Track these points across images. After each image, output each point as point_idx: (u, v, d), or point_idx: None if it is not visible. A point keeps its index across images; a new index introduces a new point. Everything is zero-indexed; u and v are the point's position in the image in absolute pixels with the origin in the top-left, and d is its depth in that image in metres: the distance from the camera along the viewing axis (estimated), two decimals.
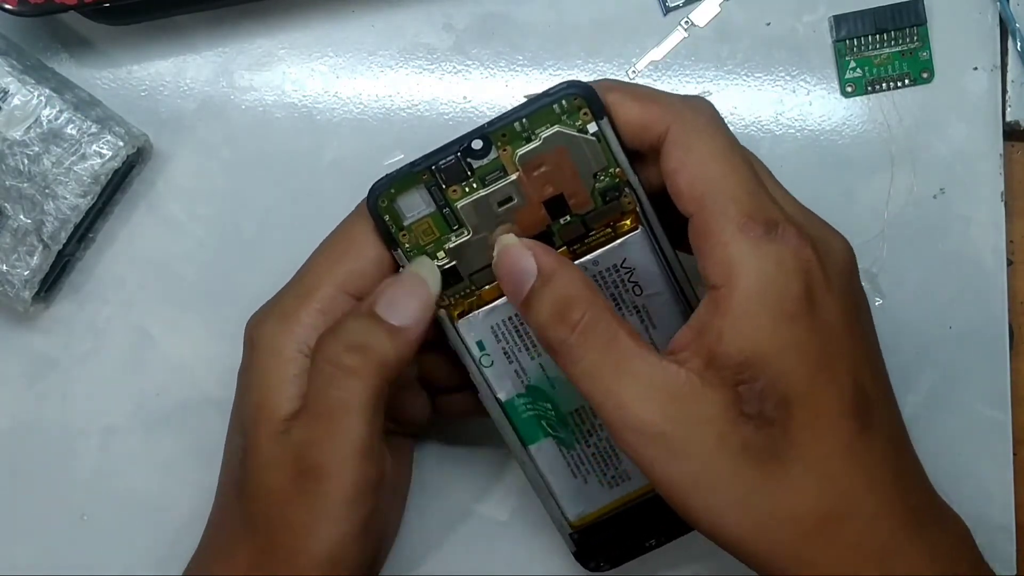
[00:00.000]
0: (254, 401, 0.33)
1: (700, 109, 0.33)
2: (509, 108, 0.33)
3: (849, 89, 0.42)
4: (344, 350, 0.32)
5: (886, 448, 0.31)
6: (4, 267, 0.41)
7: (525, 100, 0.33)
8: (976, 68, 0.42)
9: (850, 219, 0.42)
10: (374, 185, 0.33)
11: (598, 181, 0.33)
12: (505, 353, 0.35)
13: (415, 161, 0.33)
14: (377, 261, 0.34)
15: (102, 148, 0.40)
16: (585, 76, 0.43)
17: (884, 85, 0.42)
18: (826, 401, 0.30)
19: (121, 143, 0.40)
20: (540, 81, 0.43)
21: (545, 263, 0.32)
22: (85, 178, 0.40)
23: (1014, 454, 0.42)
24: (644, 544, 0.38)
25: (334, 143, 0.43)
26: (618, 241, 0.34)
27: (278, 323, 0.34)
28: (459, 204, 0.33)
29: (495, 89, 0.43)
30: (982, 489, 0.42)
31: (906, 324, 0.42)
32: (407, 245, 0.34)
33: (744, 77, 0.42)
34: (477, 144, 0.33)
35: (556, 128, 0.32)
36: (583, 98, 0.32)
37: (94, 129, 0.40)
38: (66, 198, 0.40)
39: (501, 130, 0.32)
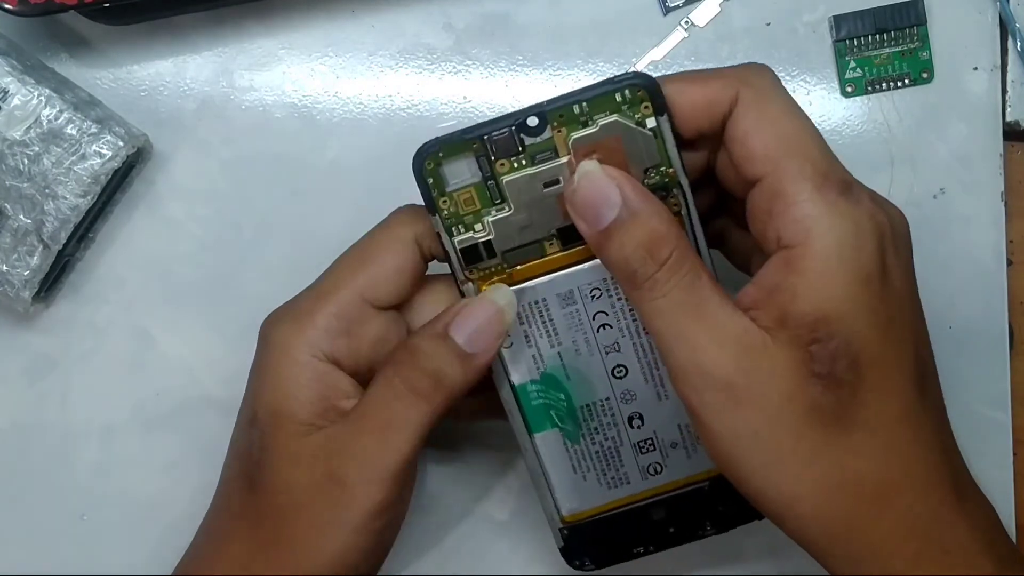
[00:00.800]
0: (271, 401, 0.33)
1: (763, 72, 0.33)
2: (569, 91, 0.32)
3: (849, 89, 0.42)
4: (419, 373, 0.32)
5: (936, 419, 0.32)
6: (4, 267, 0.41)
7: (588, 85, 0.32)
8: (976, 68, 0.42)
9: None
10: (422, 147, 0.32)
11: (648, 177, 0.33)
12: (526, 336, 0.35)
13: (468, 128, 0.32)
14: (399, 269, 0.34)
15: (102, 148, 0.40)
16: (585, 76, 0.43)
17: (884, 85, 0.42)
18: (894, 367, 0.30)
19: (121, 143, 0.40)
20: (540, 81, 0.43)
21: (632, 196, 0.31)
22: (85, 178, 0.40)
23: (1014, 454, 0.42)
24: (632, 551, 0.37)
25: (334, 143, 0.43)
26: None
27: (293, 324, 0.34)
28: (505, 179, 0.33)
29: (495, 89, 0.43)
30: (982, 489, 0.42)
31: None
32: (446, 212, 0.33)
33: None
34: (532, 121, 0.32)
35: (615, 117, 0.32)
36: (647, 91, 0.32)
37: (94, 129, 0.40)
38: (66, 198, 0.40)
39: (560, 110, 0.32)
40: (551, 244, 0.34)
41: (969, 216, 0.42)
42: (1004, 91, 0.42)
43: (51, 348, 0.43)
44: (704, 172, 0.35)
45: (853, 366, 0.30)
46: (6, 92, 0.40)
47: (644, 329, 0.34)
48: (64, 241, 0.41)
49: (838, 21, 0.42)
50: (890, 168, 0.42)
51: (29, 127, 0.40)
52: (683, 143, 0.33)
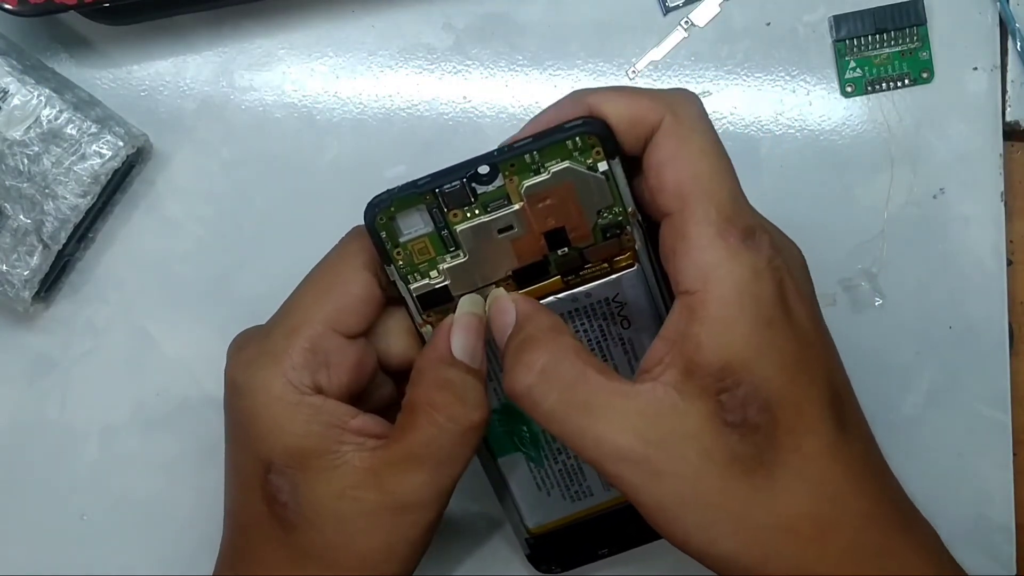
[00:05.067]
0: (283, 445, 0.33)
1: (691, 101, 0.32)
2: (520, 138, 0.32)
3: (849, 89, 0.42)
4: (467, 410, 0.33)
5: (863, 449, 0.31)
6: (4, 267, 0.41)
7: (536, 132, 0.32)
8: (976, 68, 0.42)
9: (850, 219, 0.42)
10: (373, 200, 0.32)
11: (601, 218, 0.33)
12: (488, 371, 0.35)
13: (418, 181, 0.32)
14: (365, 298, 0.34)
15: (102, 148, 0.40)
16: (585, 76, 0.43)
17: (884, 85, 0.42)
18: (807, 403, 0.30)
19: (121, 143, 0.40)
20: (540, 81, 0.43)
21: (522, 310, 0.32)
22: (85, 178, 0.40)
23: (1014, 454, 0.42)
24: (596, 552, 0.38)
25: (334, 143, 0.43)
26: (613, 276, 0.34)
27: (271, 366, 0.33)
28: (459, 228, 0.33)
29: (495, 89, 0.43)
30: (982, 489, 0.42)
31: (906, 324, 0.42)
32: (401, 263, 0.33)
33: (744, 77, 0.42)
34: (484, 169, 0.32)
35: (567, 164, 0.32)
36: (597, 137, 0.32)
37: (94, 129, 0.40)
38: (66, 198, 0.40)
39: (511, 160, 0.32)
40: (507, 285, 0.34)
41: (969, 216, 0.42)
42: (1004, 91, 0.42)
43: (51, 348, 0.43)
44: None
45: (765, 409, 0.29)
46: (6, 92, 0.40)
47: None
48: (64, 241, 0.41)
49: (838, 21, 0.42)
50: (890, 168, 0.42)
51: (29, 127, 0.40)
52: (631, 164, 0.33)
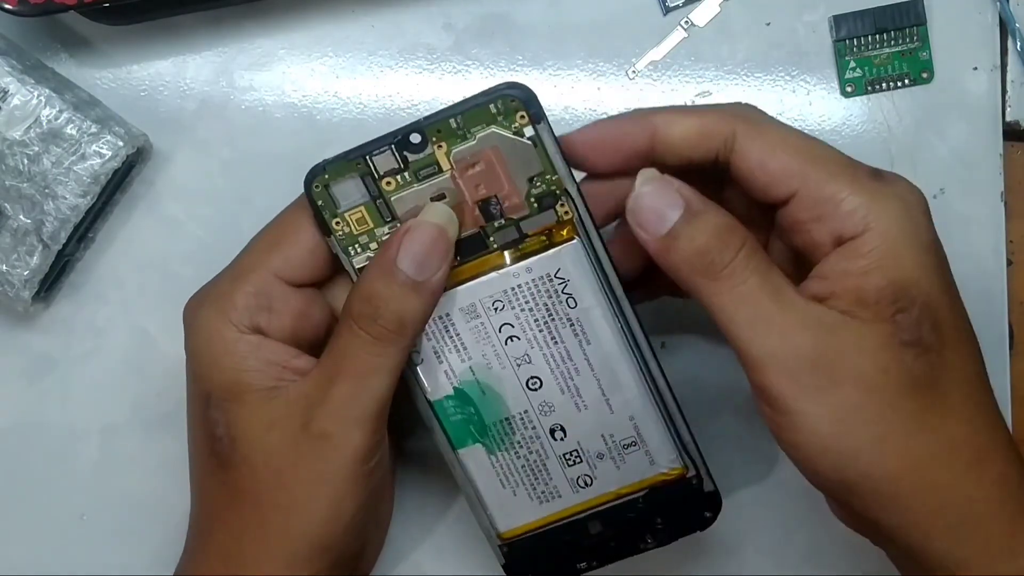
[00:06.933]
0: (221, 380, 0.33)
1: (752, 107, 0.34)
2: (446, 106, 0.32)
3: (849, 89, 0.42)
4: (382, 321, 0.32)
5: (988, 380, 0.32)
6: (4, 267, 0.41)
7: (465, 98, 0.32)
8: (976, 68, 0.42)
9: None
10: (311, 169, 0.33)
11: (533, 186, 0.33)
12: (435, 352, 0.35)
13: (350, 149, 0.33)
14: (313, 250, 0.34)
15: (102, 148, 0.40)
16: (585, 76, 0.43)
17: (884, 85, 0.42)
18: (963, 327, 0.31)
19: (121, 143, 0.40)
20: (540, 81, 0.43)
21: (694, 198, 0.32)
22: (85, 178, 0.40)
23: None
24: (576, 566, 0.37)
25: (334, 143, 0.42)
26: (553, 250, 0.34)
27: (214, 306, 0.34)
28: (393, 197, 0.33)
29: None
30: None
31: None
32: (340, 233, 0.33)
33: (744, 77, 0.42)
34: (415, 138, 0.32)
35: (491, 129, 0.32)
36: (520, 100, 0.32)
37: (94, 129, 0.40)
38: (66, 198, 0.40)
39: (436, 125, 0.32)
40: None
41: (969, 216, 0.42)
42: (1004, 91, 0.42)
43: (51, 348, 0.43)
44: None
45: (936, 328, 0.30)
46: (6, 92, 0.40)
47: (714, 322, 0.32)
48: (64, 241, 0.41)
49: (838, 21, 0.42)
50: (890, 168, 0.42)
51: (29, 127, 0.40)
52: (667, 167, 0.33)
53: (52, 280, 0.42)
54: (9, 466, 0.43)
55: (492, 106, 0.32)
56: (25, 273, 0.41)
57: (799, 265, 0.34)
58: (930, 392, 0.30)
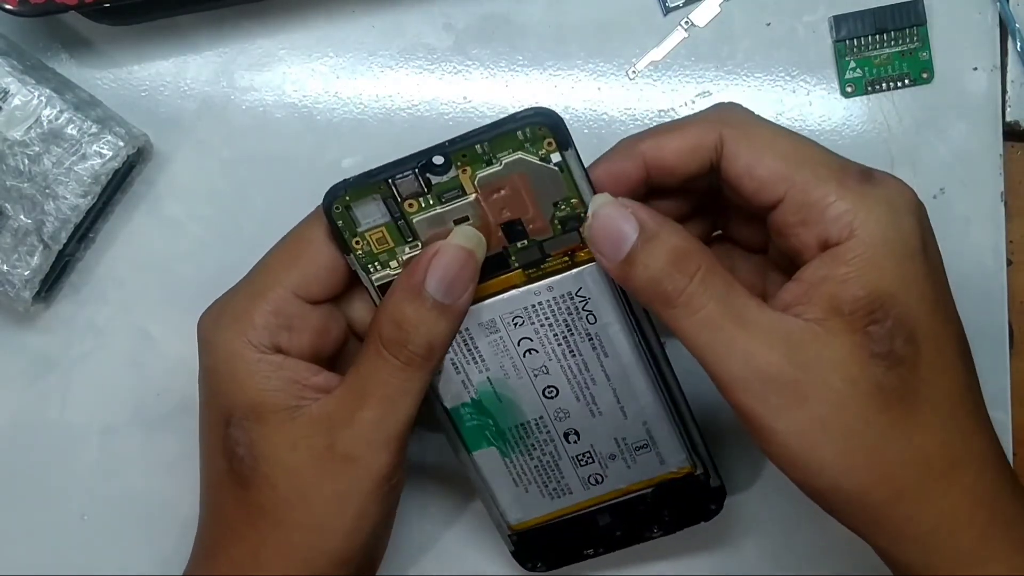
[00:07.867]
0: (242, 399, 0.33)
1: (734, 106, 0.33)
2: (475, 127, 0.32)
3: (849, 89, 0.42)
4: (411, 346, 0.32)
5: (980, 395, 0.32)
6: (4, 267, 0.41)
7: (491, 123, 0.32)
8: (976, 68, 0.42)
9: None
10: (330, 189, 0.33)
11: (558, 210, 0.33)
12: (453, 364, 0.35)
13: (373, 171, 0.33)
14: (330, 267, 0.34)
15: (102, 148, 0.40)
16: (585, 76, 0.43)
17: (884, 85, 0.42)
18: (944, 340, 0.31)
19: (121, 143, 0.40)
20: (540, 81, 0.43)
21: (648, 219, 0.31)
22: (85, 178, 0.40)
23: (1014, 454, 0.42)
24: (582, 552, 0.38)
25: (334, 143, 0.43)
26: (575, 271, 0.34)
27: (233, 326, 0.34)
28: (415, 218, 0.33)
29: (495, 89, 0.43)
30: None
31: None
32: (360, 252, 0.33)
33: (744, 77, 0.42)
34: (438, 160, 0.32)
35: (518, 155, 0.32)
36: (548, 127, 0.32)
37: (94, 129, 0.40)
38: (66, 198, 0.40)
39: (462, 150, 0.32)
40: None
41: (969, 216, 0.42)
42: (1004, 91, 0.42)
43: (51, 348, 0.43)
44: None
45: (910, 341, 0.30)
46: (6, 92, 0.40)
47: (683, 344, 0.32)
48: (64, 241, 0.41)
49: (838, 21, 0.42)
50: (890, 168, 0.42)
51: (29, 127, 0.40)
52: (666, 191, 0.33)
53: (52, 280, 0.42)
54: (9, 466, 0.43)
55: (519, 132, 0.32)
56: (26, 273, 0.41)
57: (798, 265, 0.34)
58: (900, 404, 0.30)
